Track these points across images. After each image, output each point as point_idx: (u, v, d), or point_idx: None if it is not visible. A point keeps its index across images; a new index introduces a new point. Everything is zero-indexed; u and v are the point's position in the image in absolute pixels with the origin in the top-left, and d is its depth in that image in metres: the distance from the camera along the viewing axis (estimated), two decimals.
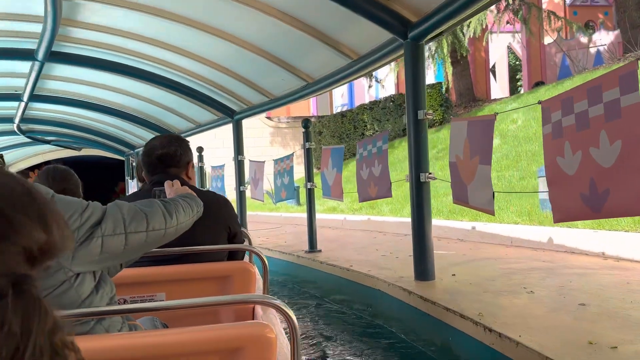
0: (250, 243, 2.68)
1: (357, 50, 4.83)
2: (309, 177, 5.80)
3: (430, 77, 19.86)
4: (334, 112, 19.76)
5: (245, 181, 7.70)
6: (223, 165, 8.39)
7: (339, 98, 26.12)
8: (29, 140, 14.41)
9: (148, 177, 2.08)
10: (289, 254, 5.90)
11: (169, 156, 2.04)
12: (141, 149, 11.35)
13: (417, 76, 3.81)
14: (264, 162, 7.05)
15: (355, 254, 5.58)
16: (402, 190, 8.45)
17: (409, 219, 7.70)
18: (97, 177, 22.07)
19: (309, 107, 23.97)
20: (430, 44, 13.26)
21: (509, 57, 24.38)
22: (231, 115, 7.74)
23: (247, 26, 5.37)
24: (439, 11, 3.55)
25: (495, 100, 17.81)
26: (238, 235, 2.17)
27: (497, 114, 2.95)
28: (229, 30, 5.58)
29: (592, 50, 19.67)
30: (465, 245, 5.80)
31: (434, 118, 14.25)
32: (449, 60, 13.11)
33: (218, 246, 1.98)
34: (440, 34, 3.84)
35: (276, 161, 6.62)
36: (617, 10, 15.48)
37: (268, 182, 8.85)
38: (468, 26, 13.40)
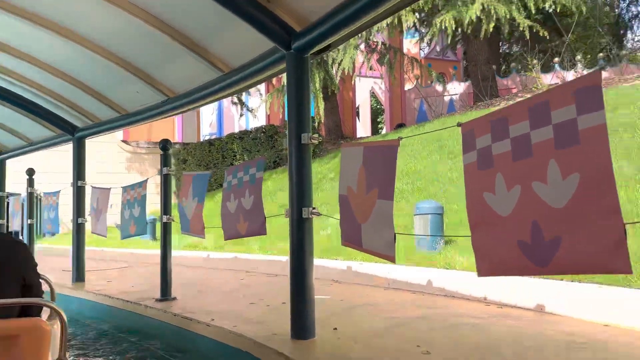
0: (52, 295, 2.37)
1: (230, 63, 4.14)
2: (166, 208, 4.85)
3: None
4: (202, 140, 18.65)
5: (87, 212, 6.41)
6: (58, 192, 6.96)
7: (207, 127, 25.03)
8: None
9: None
10: (135, 303, 4.81)
11: None
12: (11, 154, 9.19)
13: (302, 93, 3.23)
14: (109, 188, 5.89)
15: (219, 301, 4.72)
16: (272, 225, 7.79)
17: (280, 257, 7.07)
18: None
19: (174, 132, 22.54)
20: None
21: (371, 100, 25.76)
22: (72, 132, 6.45)
23: (99, 25, 4.38)
24: (326, 20, 3.04)
25: (361, 138, 18.36)
26: (35, 287, 1.91)
27: (401, 138, 2.45)
28: (73, 28, 4.52)
29: (446, 98, 21.47)
30: (342, 287, 5.28)
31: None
32: (321, 95, 13.03)
33: (3, 300, 1.73)
34: (328, 47, 3.33)
35: (125, 188, 5.53)
36: (469, 63, 17.01)
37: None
38: (339, 64, 13.55)
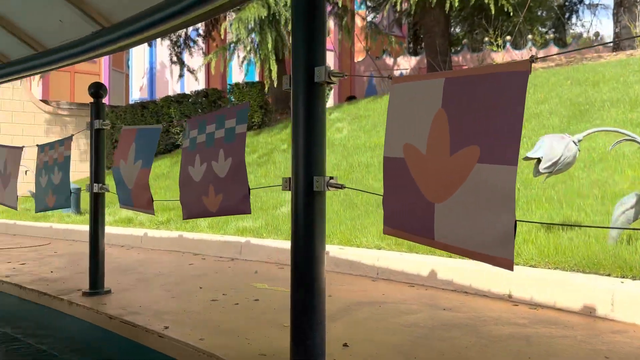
0: None
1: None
2: (97, 174, 3.67)
3: (238, 75, 18.44)
4: (131, 103, 16.87)
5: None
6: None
7: (137, 92, 22.99)
8: None
9: None
10: (55, 297, 3.64)
11: None
12: None
13: (315, 6, 2.22)
14: (21, 147, 4.56)
15: (169, 296, 3.66)
16: None
17: (237, 238, 6.00)
18: None
19: None
20: (253, 35, 11.84)
21: None
22: None
23: None
24: None
25: None
26: None
27: (535, 59, 1.48)
28: None
29: (397, 72, 20.88)
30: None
31: (255, 120, 12.83)
32: (273, 57, 11.83)
33: None
34: None
35: (42, 147, 4.25)
36: (425, 35, 16.37)
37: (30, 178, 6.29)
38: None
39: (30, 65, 4.58)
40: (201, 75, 18.10)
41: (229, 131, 2.59)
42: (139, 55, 22.51)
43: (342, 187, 2.10)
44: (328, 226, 5.33)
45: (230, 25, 11.20)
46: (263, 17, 11.27)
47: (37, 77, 16.07)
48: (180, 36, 13.59)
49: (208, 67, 16.73)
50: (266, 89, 12.16)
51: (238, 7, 11.15)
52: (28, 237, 7.93)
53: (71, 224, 7.79)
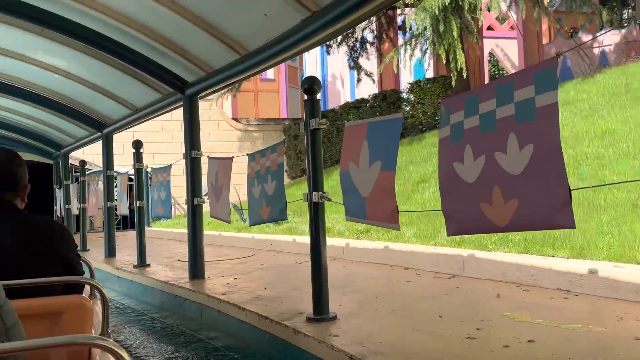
0: (92, 274, 2.22)
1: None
2: (316, 183, 3.16)
3: (408, 75, 17.54)
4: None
5: (204, 190, 5.00)
6: (168, 167, 5.65)
7: None
8: None
9: None
10: (278, 323, 3.21)
11: (7, 177, 1.76)
12: (69, 148, 8.45)
13: None
14: (231, 158, 4.36)
15: (406, 327, 2.95)
16: (431, 204, 5.92)
17: (452, 250, 5.14)
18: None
19: (280, 109, 21.68)
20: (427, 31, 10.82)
21: (490, 60, 22.86)
22: (182, 88, 5.05)
23: None
24: None
25: None
26: (76, 266, 1.88)
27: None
28: None
29: (596, 50, 17.96)
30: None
31: None
32: (459, 45, 10.71)
33: (44, 279, 1.67)
34: None
35: (252, 156, 3.95)
36: (637, 5, 13.60)
37: (235, 191, 6.33)
38: (475, 10, 11.13)
39: (235, 72, 4.37)
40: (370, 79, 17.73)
41: (523, 105, 1.75)
42: (312, 71, 23.27)
43: None
44: (583, 237, 4.15)
45: (415, 14, 10.42)
46: (446, 4, 10.29)
47: (227, 96, 17.33)
48: (357, 40, 13.31)
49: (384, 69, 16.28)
50: (453, 82, 11.08)
51: None
52: (232, 247, 8.15)
53: (271, 234, 7.77)
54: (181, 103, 5.22)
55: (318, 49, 21.30)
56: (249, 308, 3.62)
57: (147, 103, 6.03)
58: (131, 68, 5.36)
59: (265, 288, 4.39)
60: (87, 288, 2.12)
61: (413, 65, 13.66)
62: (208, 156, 4.88)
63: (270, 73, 21.49)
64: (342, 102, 18.39)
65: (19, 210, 1.80)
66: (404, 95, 13.22)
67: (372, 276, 4.80)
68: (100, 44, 4.64)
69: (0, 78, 6.47)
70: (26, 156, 14.04)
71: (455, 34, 10.59)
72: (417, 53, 11.68)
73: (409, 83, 13.13)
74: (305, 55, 23.13)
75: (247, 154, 4.04)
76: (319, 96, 3.25)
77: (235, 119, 18.04)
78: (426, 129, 11.94)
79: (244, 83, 15.84)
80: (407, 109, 12.40)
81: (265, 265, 5.95)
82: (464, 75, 10.99)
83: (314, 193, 3.17)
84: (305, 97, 3.23)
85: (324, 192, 3.16)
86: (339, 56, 17.86)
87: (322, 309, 3.18)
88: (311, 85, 3.20)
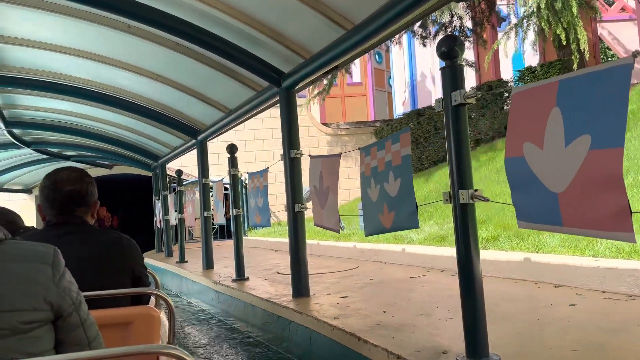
0: (157, 285, 2.45)
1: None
2: (462, 182, 2.34)
3: (506, 65, 15.97)
4: (407, 112, 16.26)
5: (304, 197, 4.35)
6: (265, 172, 5.08)
7: (400, 106, 22.73)
8: (42, 156, 11.81)
9: (48, 214, 1.84)
10: None
11: (79, 195, 1.85)
12: (166, 158, 8.28)
13: None
14: (339, 154, 3.65)
15: None
16: None
17: (624, 263, 3.57)
18: (129, 199, 19.53)
19: (367, 112, 21.18)
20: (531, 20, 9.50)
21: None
22: (278, 81, 4.44)
23: None
24: None
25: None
26: (143, 278, 1.96)
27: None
28: None
29: None
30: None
31: None
32: (580, 23, 9.27)
33: (114, 291, 1.75)
34: None
35: (367, 150, 3.19)
36: None
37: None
38: None
39: (338, 52, 3.66)
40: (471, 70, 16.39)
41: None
42: (399, 71, 22.32)
43: None
44: None
45: None
46: None
47: (315, 101, 16.89)
48: (455, 29, 12.19)
49: (478, 60, 14.96)
50: (575, 65, 9.63)
51: None
52: (332, 258, 7.47)
53: (374, 243, 6.98)
54: (277, 98, 4.64)
55: (406, 47, 20.35)
56: (372, 341, 2.86)
57: (240, 103, 5.54)
58: (222, 64, 4.89)
59: (384, 311, 3.61)
60: (153, 299, 2.14)
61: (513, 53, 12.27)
62: (310, 155, 4.22)
63: (356, 76, 21.03)
64: (432, 102, 17.25)
65: (89, 225, 1.88)
66: (518, 83, 11.88)
67: (516, 297, 3.84)
68: (193, 36, 4.16)
69: (98, 88, 6.34)
70: (126, 169, 14.50)
71: (574, 10, 9.20)
72: (531, 35, 10.34)
73: (518, 70, 11.77)
74: (392, 55, 22.30)
75: (359, 148, 3.30)
76: (461, 61, 2.43)
77: (325, 124, 17.60)
78: None
79: (332, 89, 15.33)
80: None
81: (375, 279, 5.17)
82: (586, 57, 9.52)
83: (460, 192, 2.35)
84: (443, 63, 2.42)
85: (476, 190, 2.33)
86: (428, 52, 16.78)
87: (480, 349, 2.34)
88: (451, 47, 2.39)
